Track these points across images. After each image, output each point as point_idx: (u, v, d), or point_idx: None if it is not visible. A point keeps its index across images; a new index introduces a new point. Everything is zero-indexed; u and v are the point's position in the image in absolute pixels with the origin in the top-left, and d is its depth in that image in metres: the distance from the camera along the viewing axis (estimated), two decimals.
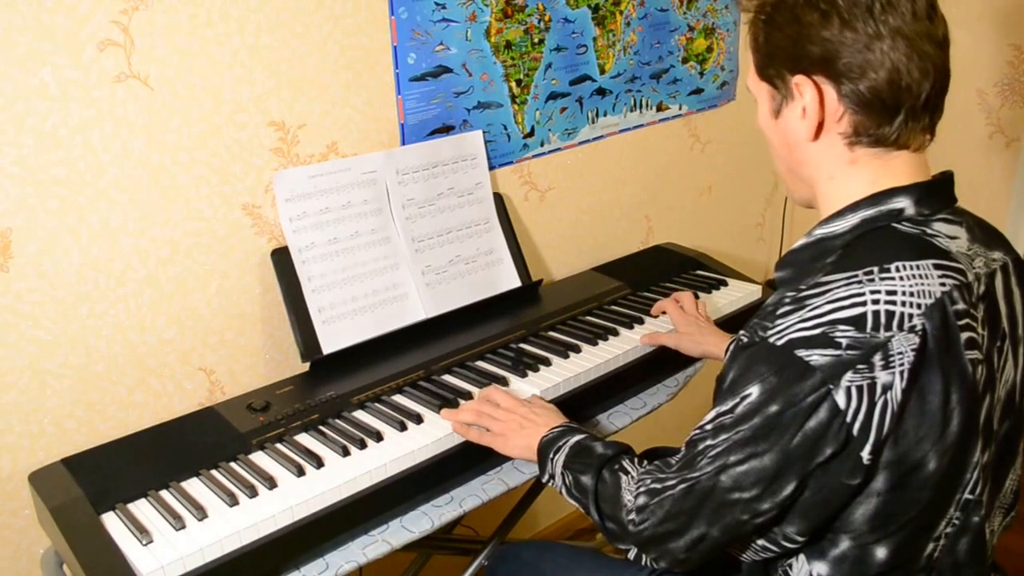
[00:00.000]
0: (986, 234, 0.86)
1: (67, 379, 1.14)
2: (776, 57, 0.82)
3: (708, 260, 1.70)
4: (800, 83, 0.80)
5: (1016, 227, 2.06)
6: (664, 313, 1.42)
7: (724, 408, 0.78)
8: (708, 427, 0.80)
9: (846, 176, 0.83)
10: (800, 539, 0.79)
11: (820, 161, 0.84)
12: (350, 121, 1.34)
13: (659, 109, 1.84)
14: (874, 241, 0.80)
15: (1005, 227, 2.08)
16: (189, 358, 1.25)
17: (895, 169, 0.81)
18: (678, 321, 1.37)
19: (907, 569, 0.80)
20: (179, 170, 1.18)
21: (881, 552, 0.78)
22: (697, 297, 1.51)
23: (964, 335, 0.75)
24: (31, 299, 1.09)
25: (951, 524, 0.80)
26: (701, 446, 0.80)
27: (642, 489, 0.87)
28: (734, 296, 1.55)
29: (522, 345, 1.34)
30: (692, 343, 1.33)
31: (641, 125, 1.81)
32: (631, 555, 0.90)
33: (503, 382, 1.22)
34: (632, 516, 0.87)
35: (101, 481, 1.02)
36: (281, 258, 1.26)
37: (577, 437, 1.02)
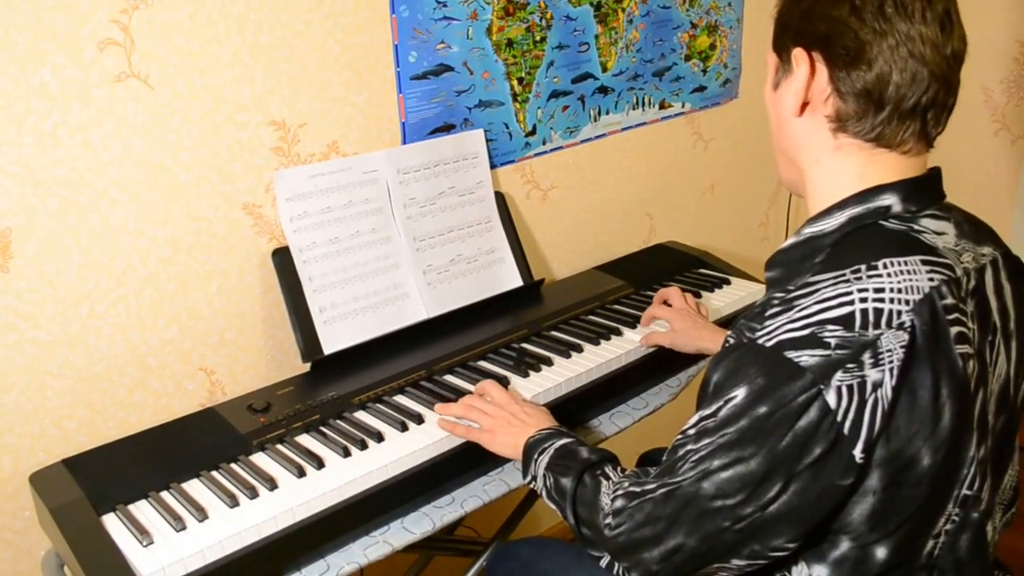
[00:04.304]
0: (975, 229, 0.85)
1: (67, 379, 1.14)
2: (788, 28, 0.84)
3: (711, 259, 1.70)
4: (798, 55, 0.82)
5: (1022, 223, 2.05)
6: (655, 319, 1.40)
7: (707, 412, 0.78)
8: (691, 432, 0.79)
9: (832, 163, 0.83)
10: (790, 547, 0.78)
11: (806, 140, 0.84)
12: (351, 120, 1.33)
13: (662, 107, 1.83)
14: (861, 239, 0.79)
15: (1010, 223, 2.07)
16: (190, 358, 1.24)
17: (882, 164, 0.81)
18: (671, 318, 1.35)
19: (908, 568, 0.80)
20: (179, 169, 1.18)
21: (881, 552, 0.77)
22: (698, 296, 1.50)
23: (954, 330, 0.75)
24: (31, 299, 1.09)
25: (951, 521, 0.79)
26: (682, 451, 0.79)
27: (620, 492, 0.86)
28: (737, 295, 1.54)
29: (524, 345, 1.34)
30: (687, 339, 1.32)
31: (643, 123, 1.81)
32: (603, 563, 0.89)
33: (505, 382, 1.22)
34: (608, 520, 0.86)
35: (102, 482, 1.01)
36: (282, 258, 1.26)
37: (564, 440, 1.01)
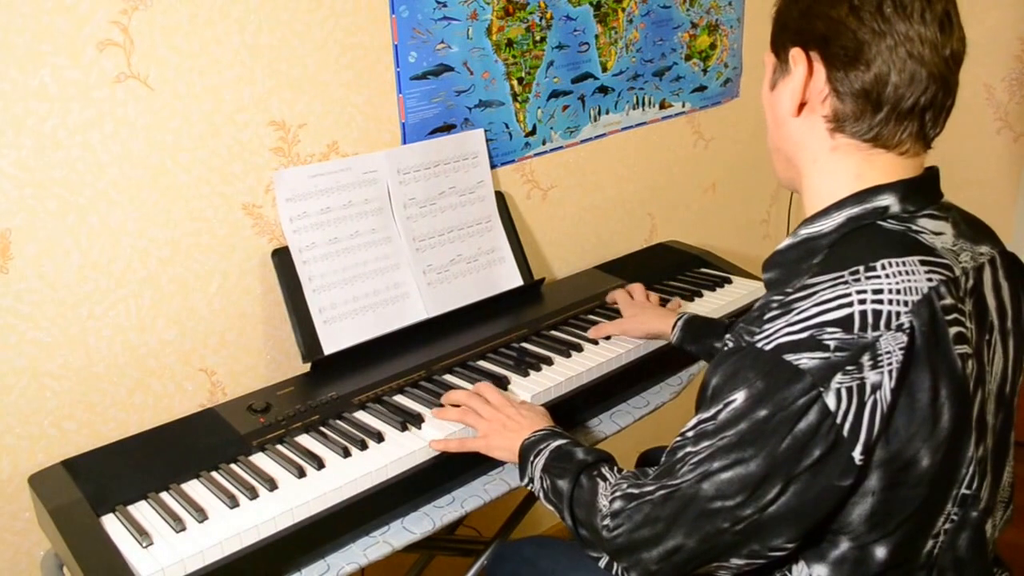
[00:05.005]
0: (973, 228, 0.85)
1: (67, 380, 1.14)
2: (786, 28, 0.84)
3: (712, 258, 1.69)
4: (796, 56, 0.82)
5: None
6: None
7: (706, 415, 0.77)
8: (689, 434, 0.79)
9: (829, 163, 0.83)
10: (789, 547, 0.78)
11: (803, 140, 0.84)
12: (351, 120, 1.33)
13: (662, 107, 1.83)
14: (859, 240, 0.79)
15: (1012, 221, 2.06)
16: (190, 359, 1.24)
17: (879, 165, 0.81)
18: (624, 307, 1.40)
19: (907, 568, 0.80)
20: (179, 170, 1.17)
21: (881, 552, 0.77)
22: (699, 295, 1.50)
23: (952, 330, 0.75)
24: (31, 300, 1.09)
25: (949, 520, 0.79)
26: (681, 453, 0.79)
27: (618, 494, 0.86)
28: (738, 294, 1.54)
29: (524, 344, 1.34)
30: (635, 324, 1.35)
31: (644, 123, 1.81)
32: (602, 563, 0.89)
33: (505, 382, 1.22)
34: (607, 521, 0.86)
35: (101, 483, 1.01)
36: (282, 258, 1.26)
37: (559, 441, 1.01)
